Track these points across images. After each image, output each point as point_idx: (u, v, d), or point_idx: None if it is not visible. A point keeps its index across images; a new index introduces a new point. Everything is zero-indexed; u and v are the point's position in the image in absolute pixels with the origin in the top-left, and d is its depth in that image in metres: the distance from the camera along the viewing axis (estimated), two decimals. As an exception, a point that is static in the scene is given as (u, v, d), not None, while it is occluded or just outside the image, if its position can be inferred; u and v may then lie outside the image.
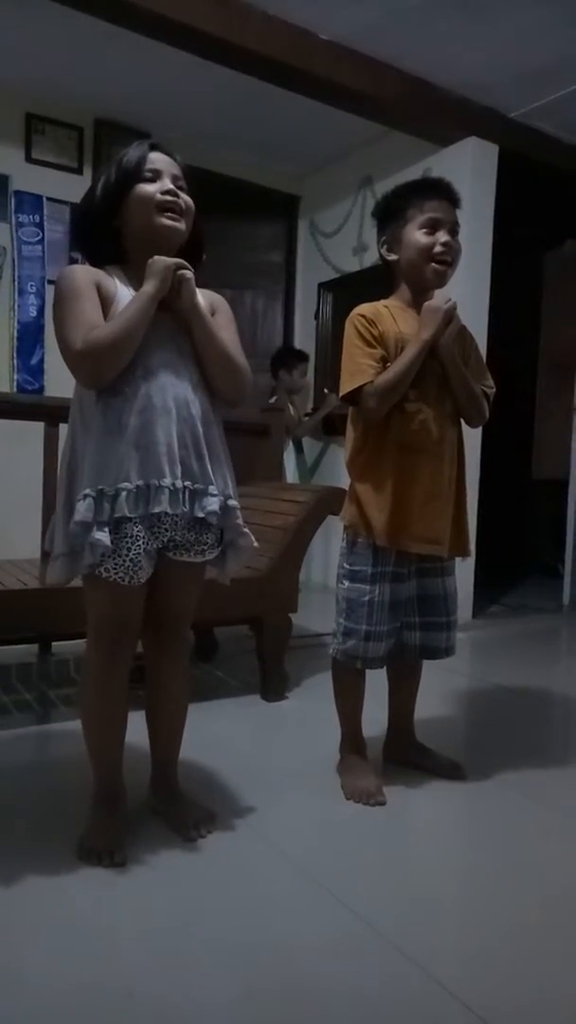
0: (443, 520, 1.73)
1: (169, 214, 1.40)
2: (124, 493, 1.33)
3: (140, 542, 1.37)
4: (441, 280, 1.73)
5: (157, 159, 1.41)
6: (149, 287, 1.35)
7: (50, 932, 1.22)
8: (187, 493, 1.39)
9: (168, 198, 1.39)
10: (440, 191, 1.71)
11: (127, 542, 1.36)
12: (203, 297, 1.51)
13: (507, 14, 2.82)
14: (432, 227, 1.68)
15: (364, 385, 1.65)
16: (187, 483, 1.39)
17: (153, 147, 1.43)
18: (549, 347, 4.78)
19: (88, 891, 1.33)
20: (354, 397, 1.68)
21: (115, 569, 1.36)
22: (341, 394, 1.70)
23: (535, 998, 1.12)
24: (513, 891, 1.40)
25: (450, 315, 1.66)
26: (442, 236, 1.68)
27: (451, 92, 3.39)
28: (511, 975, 1.16)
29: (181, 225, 1.42)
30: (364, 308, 1.72)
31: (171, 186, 1.40)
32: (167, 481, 1.36)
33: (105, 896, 1.32)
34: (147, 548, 1.38)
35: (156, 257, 1.36)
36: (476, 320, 3.51)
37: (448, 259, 1.70)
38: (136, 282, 1.40)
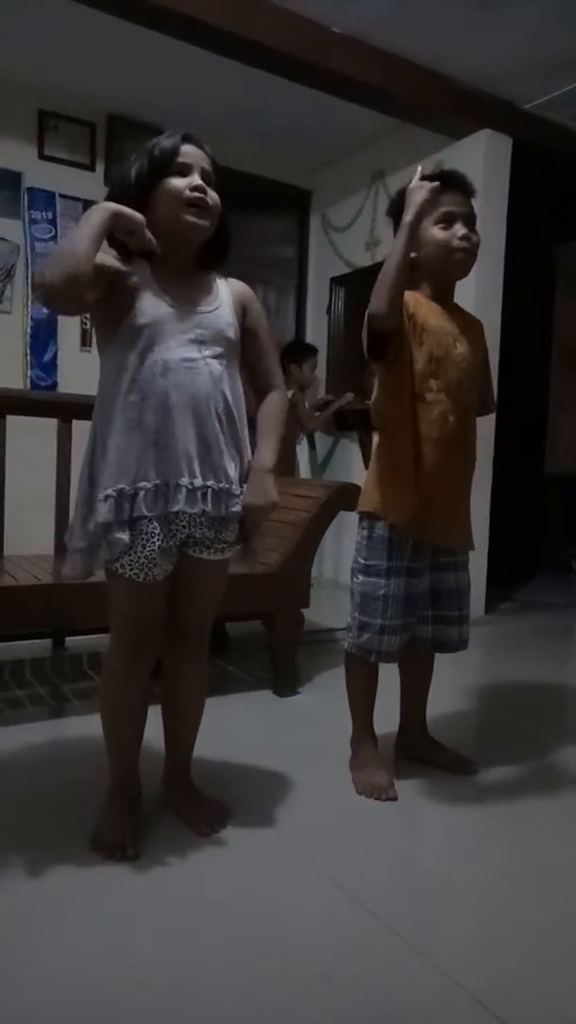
0: (457, 513, 1.75)
1: (195, 211, 1.38)
2: (142, 493, 1.34)
3: (156, 539, 1.37)
4: (464, 271, 1.71)
5: (189, 151, 1.39)
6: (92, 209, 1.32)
7: (63, 924, 1.23)
8: (209, 492, 1.39)
9: (196, 195, 1.38)
10: (453, 183, 1.68)
11: (142, 539, 1.36)
12: (229, 288, 1.50)
13: (520, 5, 2.80)
14: (448, 221, 1.67)
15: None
16: (209, 482, 1.39)
17: (186, 138, 1.41)
18: (563, 340, 4.74)
19: (101, 885, 1.34)
20: (369, 336, 1.61)
21: (130, 566, 1.36)
22: (365, 345, 1.64)
23: (546, 992, 1.12)
24: (524, 886, 1.40)
25: (435, 193, 1.59)
26: (459, 229, 1.66)
27: (464, 84, 3.36)
28: (521, 969, 1.16)
29: (206, 223, 1.40)
30: None
31: (200, 182, 1.38)
32: (184, 480, 1.36)
33: (118, 890, 1.33)
34: (163, 545, 1.38)
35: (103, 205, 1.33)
36: (490, 312, 3.49)
37: (467, 248, 1.68)
38: (161, 275, 1.39)
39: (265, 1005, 1.07)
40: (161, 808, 1.59)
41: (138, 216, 1.33)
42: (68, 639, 2.79)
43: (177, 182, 1.37)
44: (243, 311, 1.50)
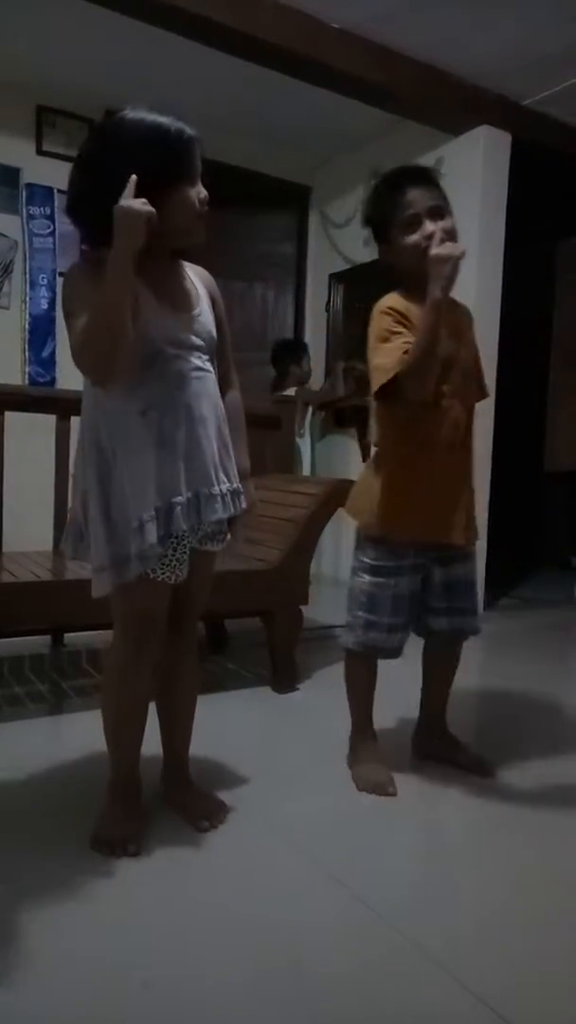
0: (460, 510, 1.73)
1: (203, 222, 1.38)
2: (179, 508, 1.34)
3: (185, 542, 1.41)
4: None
5: (198, 158, 1.37)
6: (121, 243, 1.21)
7: (64, 923, 1.23)
8: (230, 495, 1.43)
9: (207, 209, 1.37)
10: (409, 180, 1.64)
11: (173, 542, 1.38)
12: (198, 277, 1.47)
13: (519, 1, 2.79)
14: (414, 223, 1.61)
15: (398, 373, 1.56)
16: (225, 485, 1.42)
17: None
18: (562, 337, 4.74)
19: (102, 882, 1.34)
20: (387, 389, 1.59)
21: (163, 570, 1.39)
22: (375, 389, 1.62)
23: (549, 991, 1.12)
24: (527, 884, 1.40)
25: (459, 260, 1.54)
26: (427, 227, 1.60)
27: (463, 80, 3.36)
28: (525, 967, 1.16)
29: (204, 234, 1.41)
30: (392, 301, 1.66)
31: (206, 193, 1.37)
32: (216, 489, 1.39)
33: (119, 887, 1.33)
34: (190, 546, 1.43)
35: (120, 204, 1.20)
36: (489, 310, 3.49)
37: (440, 241, 1.57)
38: (151, 280, 1.36)
39: (267, 1004, 1.07)
40: (160, 804, 1.59)
41: (147, 209, 1.22)
42: (67, 636, 2.79)
43: (192, 192, 1.35)
44: (212, 302, 1.48)
